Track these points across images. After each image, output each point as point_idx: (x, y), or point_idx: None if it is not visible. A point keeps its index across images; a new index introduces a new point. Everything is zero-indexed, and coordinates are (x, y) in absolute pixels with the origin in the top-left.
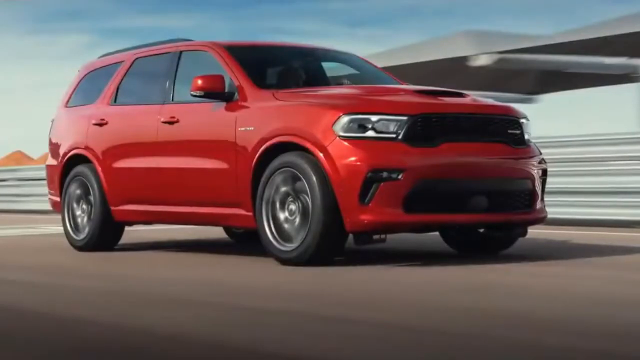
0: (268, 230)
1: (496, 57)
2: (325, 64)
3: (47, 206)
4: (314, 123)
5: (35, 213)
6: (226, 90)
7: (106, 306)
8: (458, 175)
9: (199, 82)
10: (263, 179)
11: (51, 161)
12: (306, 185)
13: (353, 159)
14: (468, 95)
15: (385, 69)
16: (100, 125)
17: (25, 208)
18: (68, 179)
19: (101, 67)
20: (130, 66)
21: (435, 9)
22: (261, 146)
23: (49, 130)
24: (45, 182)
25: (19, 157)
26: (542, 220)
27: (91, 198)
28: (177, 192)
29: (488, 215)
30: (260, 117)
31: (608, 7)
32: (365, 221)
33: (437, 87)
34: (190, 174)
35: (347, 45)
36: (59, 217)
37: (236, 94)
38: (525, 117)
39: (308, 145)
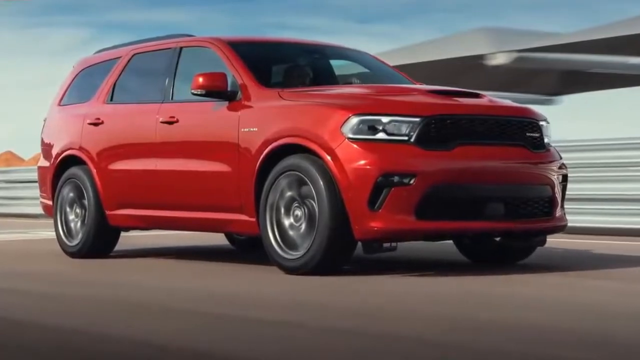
0: (272, 237)
1: (514, 55)
2: (333, 62)
3: (39, 210)
4: (321, 124)
5: (26, 217)
6: (229, 88)
7: (99, 316)
8: (473, 181)
9: (200, 79)
10: (267, 183)
11: (43, 162)
12: (313, 190)
13: (362, 162)
14: (484, 96)
15: (397, 67)
16: (96, 124)
17: (15, 212)
18: (61, 181)
19: (97, 64)
20: (128, 63)
21: (450, 4)
22: (265, 148)
23: (41, 130)
24: (36, 184)
25: (9, 158)
26: (562, 228)
27: (85, 202)
28: (176, 196)
29: (505, 223)
30: (265, 118)
31: (633, 4)
32: (375, 228)
33: (452, 87)
34: (190, 177)
35: (357, 42)
36: (51, 221)
37: (239, 92)
38: (544, 120)
39: (315, 147)
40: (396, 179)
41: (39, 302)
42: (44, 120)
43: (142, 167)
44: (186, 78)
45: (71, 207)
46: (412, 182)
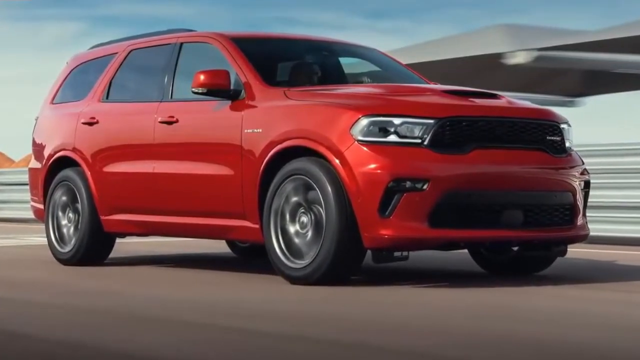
0: (276, 245)
1: (534, 54)
2: (343, 60)
3: (30, 214)
4: (329, 125)
5: (15, 222)
6: (231, 87)
7: (92, 327)
8: (490, 187)
9: (202, 77)
10: (271, 187)
11: (35, 164)
12: (320, 195)
13: (373, 166)
14: (502, 97)
15: (410, 65)
16: (90, 124)
17: (4, 216)
18: (53, 184)
19: (92, 60)
20: (125, 59)
21: None
22: (270, 150)
23: (33, 130)
24: (27, 187)
25: None
26: (583, 238)
27: (79, 206)
28: (175, 201)
29: (523, 231)
30: (270, 118)
31: None
32: (386, 236)
33: (468, 87)
34: (190, 181)
35: (367, 39)
36: (43, 226)
37: (243, 91)
38: (566, 122)
39: (322, 150)
40: (408, 184)
41: (29, 311)
42: (36, 119)
43: (139, 170)
44: (186, 76)
45: (64, 211)
46: (425, 187)
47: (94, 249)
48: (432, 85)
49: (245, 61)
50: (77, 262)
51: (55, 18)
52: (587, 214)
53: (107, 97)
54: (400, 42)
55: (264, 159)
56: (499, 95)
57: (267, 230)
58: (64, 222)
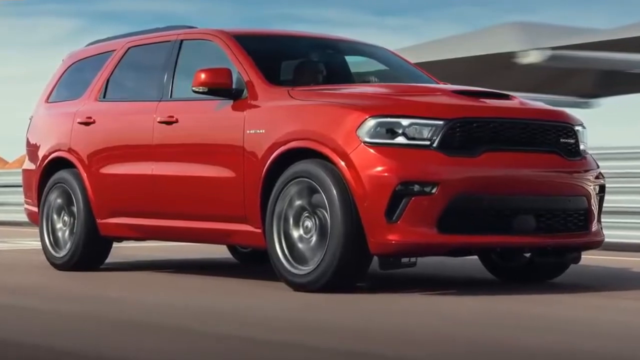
0: (279, 250)
1: (548, 53)
2: (349, 58)
3: (23, 217)
4: (335, 126)
5: (9, 225)
6: (233, 86)
7: (87, 334)
8: (501, 191)
9: (202, 76)
10: (275, 190)
11: (29, 165)
12: (324, 199)
13: (380, 169)
14: (514, 98)
15: (419, 65)
16: (87, 124)
17: None
18: (48, 186)
19: (88, 57)
20: (123, 56)
21: None
22: (273, 152)
23: (27, 130)
24: (21, 189)
25: None
26: (598, 244)
27: (74, 209)
28: (174, 204)
29: (535, 237)
30: (273, 118)
31: None
32: (393, 242)
33: (479, 88)
34: (189, 183)
35: (375, 37)
36: (37, 230)
37: (245, 90)
38: (580, 124)
39: (328, 152)
40: (416, 187)
41: (22, 318)
42: (30, 119)
43: (137, 172)
44: (187, 74)
45: (59, 214)
46: (434, 191)
47: (90, 253)
48: (441, 85)
49: (248, 59)
50: (72, 267)
51: (51, 14)
52: (602, 220)
53: (104, 96)
54: (409, 40)
55: (267, 160)
56: (511, 96)
57: (269, 234)
58: (59, 225)
